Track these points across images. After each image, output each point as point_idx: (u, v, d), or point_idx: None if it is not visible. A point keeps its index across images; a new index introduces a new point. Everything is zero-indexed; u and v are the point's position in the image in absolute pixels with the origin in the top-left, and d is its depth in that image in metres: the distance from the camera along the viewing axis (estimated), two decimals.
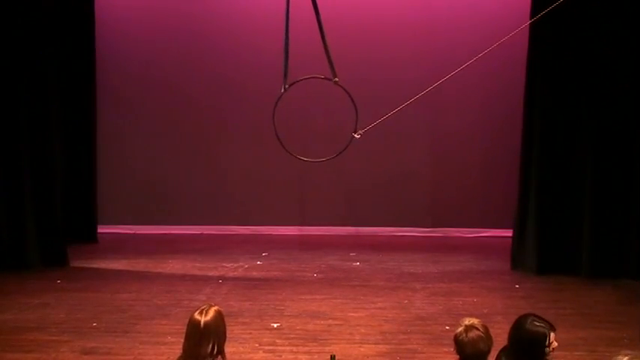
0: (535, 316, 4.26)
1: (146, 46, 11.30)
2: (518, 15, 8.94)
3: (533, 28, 8.83)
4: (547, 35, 8.95)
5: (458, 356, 4.03)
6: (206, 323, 4.12)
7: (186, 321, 4.20)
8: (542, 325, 4.17)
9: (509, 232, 9.65)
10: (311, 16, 5.98)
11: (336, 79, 6.07)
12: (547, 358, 4.18)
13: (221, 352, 4.14)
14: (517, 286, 8.68)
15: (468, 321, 4.04)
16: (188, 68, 11.31)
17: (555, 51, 8.97)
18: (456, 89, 10.73)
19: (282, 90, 6.01)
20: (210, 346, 4.08)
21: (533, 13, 8.49)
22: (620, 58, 8.79)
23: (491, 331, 4.11)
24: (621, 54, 8.79)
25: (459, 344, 3.98)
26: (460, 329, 4.01)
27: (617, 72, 8.82)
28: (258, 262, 9.73)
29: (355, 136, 6.08)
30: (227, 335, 4.25)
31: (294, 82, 6.02)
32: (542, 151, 9.11)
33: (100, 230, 10.94)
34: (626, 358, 3.58)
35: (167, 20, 11.24)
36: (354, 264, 9.70)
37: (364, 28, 11.01)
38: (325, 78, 6.13)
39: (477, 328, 3.99)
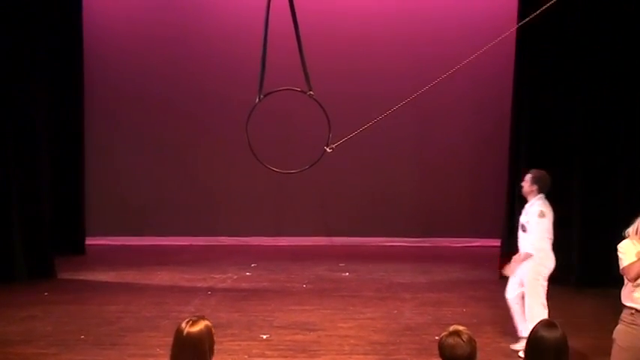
0: (542, 326, 4.15)
1: (134, 60, 11.32)
2: (505, 25, 8.95)
3: (520, 38, 8.88)
4: (533, 45, 8.99)
5: None
6: (189, 334, 3.94)
7: None
8: (555, 328, 4.08)
9: (497, 242, 9.66)
10: (291, 27, 5.97)
11: (311, 92, 6.04)
12: None
13: None
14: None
15: (453, 328, 4.08)
16: (176, 82, 11.33)
17: (542, 61, 9.01)
18: (444, 100, 10.78)
19: (257, 100, 5.99)
20: (190, 358, 3.95)
21: (520, 21, 8.50)
22: (607, 65, 8.84)
23: (480, 341, 4.11)
24: (609, 61, 8.83)
25: (439, 347, 4.04)
26: (444, 333, 4.05)
27: (604, 80, 8.86)
28: (247, 273, 9.70)
29: (327, 149, 6.02)
30: (214, 351, 4.10)
31: (268, 93, 6.01)
32: (530, 161, 9.10)
33: (87, 242, 10.89)
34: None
35: (155, 34, 11.27)
36: (344, 274, 9.69)
37: (346, 41, 11.06)
38: (300, 90, 6.11)
39: (459, 336, 4.02)
